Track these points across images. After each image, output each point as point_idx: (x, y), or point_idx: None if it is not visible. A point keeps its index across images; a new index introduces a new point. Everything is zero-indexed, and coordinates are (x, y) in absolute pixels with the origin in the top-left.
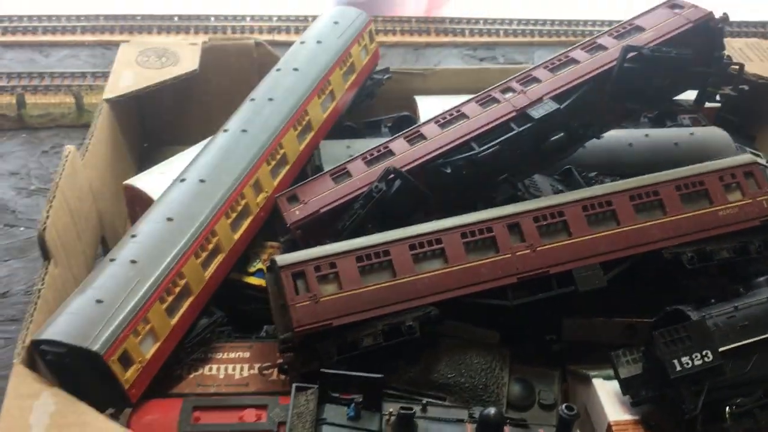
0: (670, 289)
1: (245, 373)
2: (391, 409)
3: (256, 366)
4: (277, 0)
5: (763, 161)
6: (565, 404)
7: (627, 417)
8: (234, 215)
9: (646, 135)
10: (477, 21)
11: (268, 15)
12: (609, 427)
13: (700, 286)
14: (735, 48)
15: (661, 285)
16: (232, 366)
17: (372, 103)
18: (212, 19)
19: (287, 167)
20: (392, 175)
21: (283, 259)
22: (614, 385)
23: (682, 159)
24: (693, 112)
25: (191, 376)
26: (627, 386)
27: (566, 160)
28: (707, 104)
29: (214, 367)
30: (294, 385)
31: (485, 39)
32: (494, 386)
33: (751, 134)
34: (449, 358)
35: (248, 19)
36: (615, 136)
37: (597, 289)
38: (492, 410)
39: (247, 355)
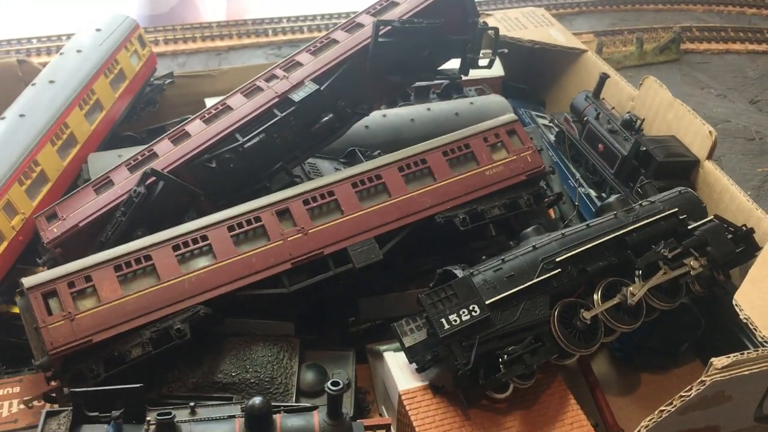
0: (457, 256)
1: (14, 409)
2: (149, 418)
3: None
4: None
5: (544, 122)
6: (330, 380)
7: (416, 384)
8: None
9: (428, 109)
10: (279, 20)
11: (27, 37)
12: (399, 397)
13: (482, 247)
14: (512, 18)
15: (448, 253)
16: None
17: (155, 110)
18: None
19: (48, 185)
20: (152, 178)
21: (30, 280)
22: (404, 356)
23: (464, 128)
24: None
25: None
26: (412, 354)
27: (350, 142)
28: (492, 74)
29: None
30: (44, 412)
31: (289, 37)
32: (282, 377)
33: (541, 98)
34: (233, 356)
35: (4, 44)
36: (398, 113)
37: (375, 263)
38: (256, 400)
39: (17, 390)
